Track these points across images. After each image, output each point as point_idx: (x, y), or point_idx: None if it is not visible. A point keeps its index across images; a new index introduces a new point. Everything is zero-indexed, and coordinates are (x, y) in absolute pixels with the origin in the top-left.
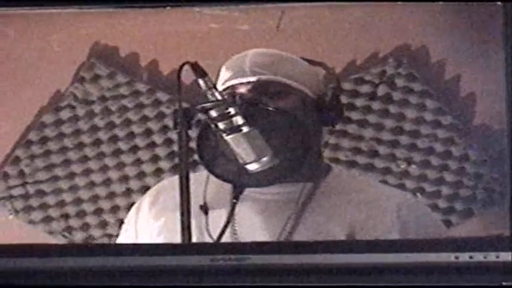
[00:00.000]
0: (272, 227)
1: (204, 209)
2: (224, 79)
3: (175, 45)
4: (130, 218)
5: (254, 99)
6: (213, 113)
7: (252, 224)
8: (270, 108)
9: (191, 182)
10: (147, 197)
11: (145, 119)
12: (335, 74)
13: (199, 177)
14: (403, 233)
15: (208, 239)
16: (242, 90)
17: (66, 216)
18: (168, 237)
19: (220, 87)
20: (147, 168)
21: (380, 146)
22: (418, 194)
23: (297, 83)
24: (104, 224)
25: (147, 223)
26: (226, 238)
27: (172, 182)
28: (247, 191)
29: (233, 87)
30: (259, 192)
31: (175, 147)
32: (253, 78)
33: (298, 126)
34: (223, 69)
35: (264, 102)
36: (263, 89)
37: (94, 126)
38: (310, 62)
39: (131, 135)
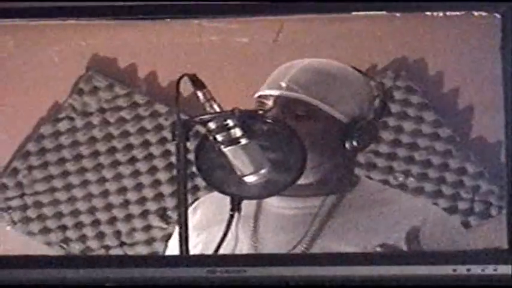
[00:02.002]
0: (291, 241)
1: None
2: (265, 85)
3: (174, 57)
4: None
5: (277, 115)
6: (212, 125)
7: (273, 239)
8: (268, 121)
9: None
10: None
11: (143, 130)
12: (385, 93)
13: None
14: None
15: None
16: (270, 103)
17: (63, 228)
18: (203, 250)
19: (259, 92)
20: (145, 179)
21: (378, 158)
22: None
23: (327, 105)
24: (101, 236)
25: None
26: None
27: (208, 198)
28: (266, 205)
29: (265, 97)
30: (281, 207)
31: (173, 159)
32: (285, 94)
33: (296, 139)
34: (275, 71)
35: (285, 121)
36: (291, 108)
37: (92, 138)
38: (362, 74)
39: (129, 146)
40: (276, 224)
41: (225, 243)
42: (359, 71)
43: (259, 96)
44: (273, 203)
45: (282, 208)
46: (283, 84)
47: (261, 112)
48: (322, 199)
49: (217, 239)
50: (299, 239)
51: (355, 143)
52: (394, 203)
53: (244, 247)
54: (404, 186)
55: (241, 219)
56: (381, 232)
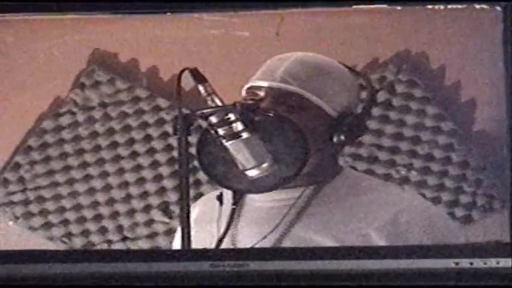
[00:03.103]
0: (264, 233)
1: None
2: (256, 76)
3: (175, 51)
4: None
5: (270, 106)
6: (213, 119)
7: (251, 232)
8: (270, 114)
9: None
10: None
11: (145, 125)
12: (373, 88)
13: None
14: (399, 240)
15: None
16: (262, 94)
17: (65, 222)
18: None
19: (249, 83)
20: (147, 174)
21: (380, 152)
22: None
23: (321, 99)
24: (103, 230)
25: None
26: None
27: (210, 195)
28: (248, 199)
29: (257, 88)
30: (262, 200)
31: (175, 153)
32: (278, 86)
33: (298, 133)
34: (265, 64)
35: (278, 112)
36: (283, 99)
37: (94, 132)
38: (350, 70)
39: (131, 141)
40: (254, 217)
41: (207, 238)
42: (347, 66)
43: (250, 87)
44: (255, 197)
45: (263, 201)
46: (277, 76)
47: (253, 102)
48: (301, 190)
49: (205, 236)
50: (274, 231)
51: (342, 137)
52: (372, 192)
53: (224, 241)
54: (407, 179)
55: (223, 214)
56: (355, 222)
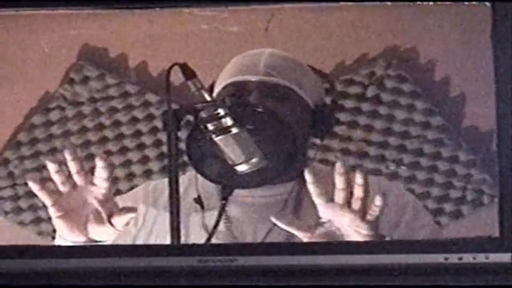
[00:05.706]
0: (264, 230)
1: (199, 202)
2: (233, 73)
3: (165, 46)
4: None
5: (259, 99)
6: (203, 114)
7: (247, 228)
8: (259, 110)
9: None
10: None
11: (134, 120)
12: (335, 88)
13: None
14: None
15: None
16: (250, 87)
17: None
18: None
19: (226, 80)
20: (137, 169)
21: (369, 147)
22: None
23: (302, 90)
24: None
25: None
26: (225, 240)
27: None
28: (236, 196)
29: (242, 83)
30: (251, 196)
31: (165, 149)
32: (264, 78)
33: (287, 128)
34: (234, 62)
35: (268, 104)
36: (271, 91)
37: (83, 128)
38: (313, 70)
39: (121, 136)
40: (247, 213)
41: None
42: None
43: (230, 84)
44: (243, 193)
45: (254, 197)
46: (260, 70)
47: (242, 97)
48: (291, 184)
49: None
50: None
51: (323, 129)
52: None
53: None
54: (397, 174)
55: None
56: None
